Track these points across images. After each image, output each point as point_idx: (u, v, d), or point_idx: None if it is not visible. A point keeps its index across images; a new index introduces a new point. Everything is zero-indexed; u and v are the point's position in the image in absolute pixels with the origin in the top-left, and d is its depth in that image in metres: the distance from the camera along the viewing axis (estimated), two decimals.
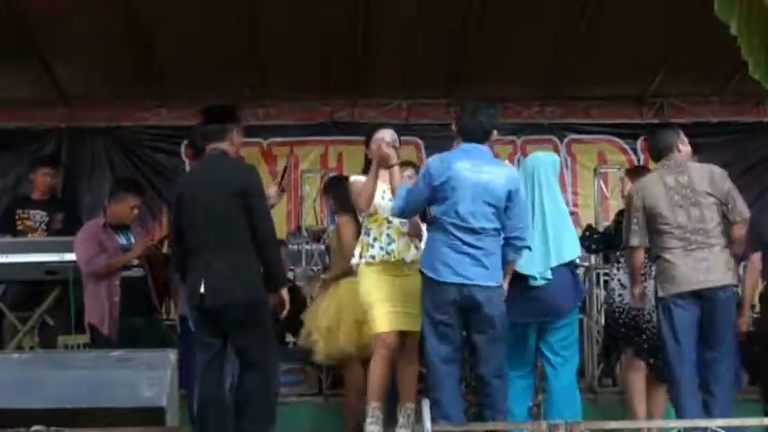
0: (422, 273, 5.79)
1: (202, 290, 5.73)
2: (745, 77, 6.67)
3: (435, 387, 5.78)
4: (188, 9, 8.18)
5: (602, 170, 9.40)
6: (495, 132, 5.96)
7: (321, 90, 9.81)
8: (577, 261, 6.37)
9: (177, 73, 9.19)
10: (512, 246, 5.82)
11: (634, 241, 6.28)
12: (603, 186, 9.19)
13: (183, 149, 9.87)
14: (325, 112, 10.09)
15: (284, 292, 5.96)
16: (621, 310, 6.87)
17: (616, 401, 7.61)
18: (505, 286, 5.87)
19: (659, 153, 6.38)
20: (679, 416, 6.14)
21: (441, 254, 5.72)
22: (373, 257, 6.14)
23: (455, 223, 5.71)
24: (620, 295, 6.88)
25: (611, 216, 8.53)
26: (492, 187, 5.74)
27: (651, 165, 9.43)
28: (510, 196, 5.77)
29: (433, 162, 5.89)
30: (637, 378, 6.89)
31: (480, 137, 5.88)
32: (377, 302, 6.11)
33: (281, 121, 9.97)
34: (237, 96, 9.19)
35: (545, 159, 6.45)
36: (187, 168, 9.61)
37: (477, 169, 5.76)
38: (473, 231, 5.70)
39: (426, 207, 5.95)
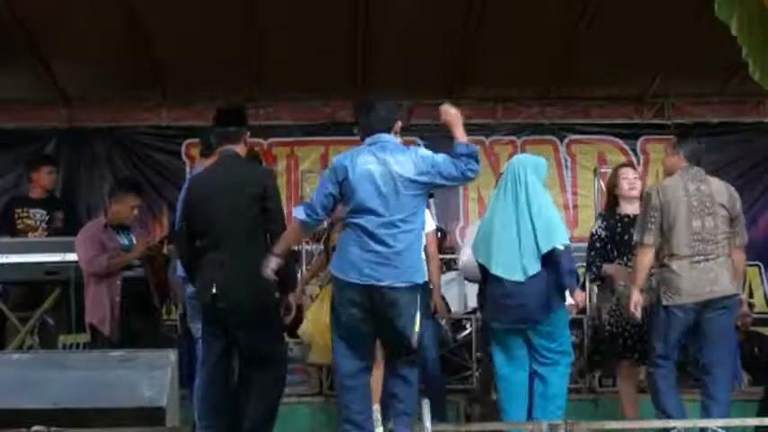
0: (333, 276, 5.63)
1: (214, 290, 5.77)
2: (745, 78, 6.67)
3: None
4: (188, 9, 8.18)
5: (603, 170, 9.38)
6: (398, 123, 5.76)
7: (321, 90, 9.81)
8: (561, 248, 6.20)
9: (177, 73, 9.20)
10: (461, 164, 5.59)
11: (649, 240, 6.26)
12: (604, 186, 9.17)
13: (183, 149, 9.89)
14: (325, 112, 10.08)
15: (292, 297, 6.00)
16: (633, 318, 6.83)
17: (616, 401, 7.60)
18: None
19: (692, 159, 6.40)
20: (664, 417, 6.18)
21: (350, 254, 5.53)
22: None
23: (366, 221, 5.50)
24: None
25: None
26: (401, 174, 5.52)
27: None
28: (425, 172, 5.53)
29: (338, 160, 5.70)
30: (631, 386, 6.90)
31: (383, 130, 5.69)
32: None
33: (281, 121, 9.97)
34: (238, 96, 9.20)
35: (527, 160, 6.46)
36: (187, 169, 9.63)
37: (380, 162, 5.55)
38: (387, 225, 5.50)
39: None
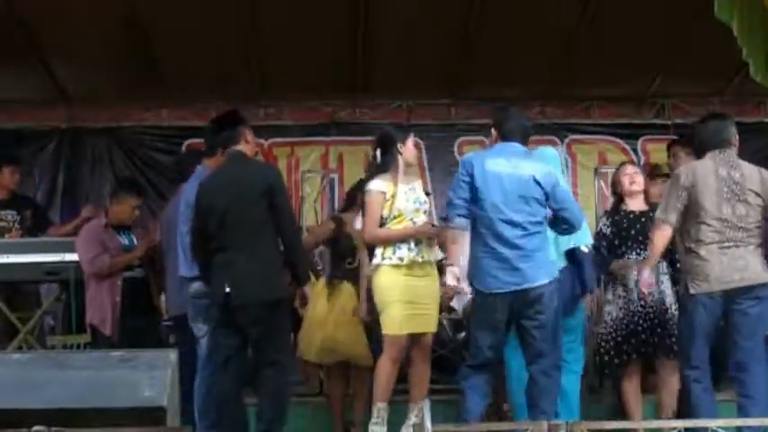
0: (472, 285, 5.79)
1: (227, 289, 5.83)
2: (745, 78, 6.67)
3: None
4: (188, 9, 8.19)
5: (603, 170, 9.38)
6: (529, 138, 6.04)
7: (321, 90, 9.82)
8: (584, 248, 6.30)
9: (177, 73, 9.20)
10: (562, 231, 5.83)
11: (670, 218, 6.04)
12: (604, 186, 9.17)
13: (183, 150, 9.88)
14: (325, 112, 10.09)
15: (307, 289, 6.14)
16: (645, 312, 6.77)
17: (616, 401, 7.60)
18: None
19: (717, 144, 6.15)
20: (693, 415, 5.98)
21: (483, 263, 5.71)
22: (402, 259, 6.13)
23: (495, 222, 5.67)
24: (649, 294, 6.71)
25: None
26: (529, 175, 5.72)
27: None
28: (548, 188, 5.74)
29: (473, 157, 5.90)
30: (634, 386, 6.87)
31: (521, 140, 5.92)
32: (394, 304, 6.10)
33: (281, 121, 9.98)
34: (238, 97, 9.20)
35: (546, 153, 6.49)
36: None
37: (512, 165, 5.75)
38: (513, 225, 5.66)
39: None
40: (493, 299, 5.69)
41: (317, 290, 7.15)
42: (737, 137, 6.24)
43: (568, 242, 6.17)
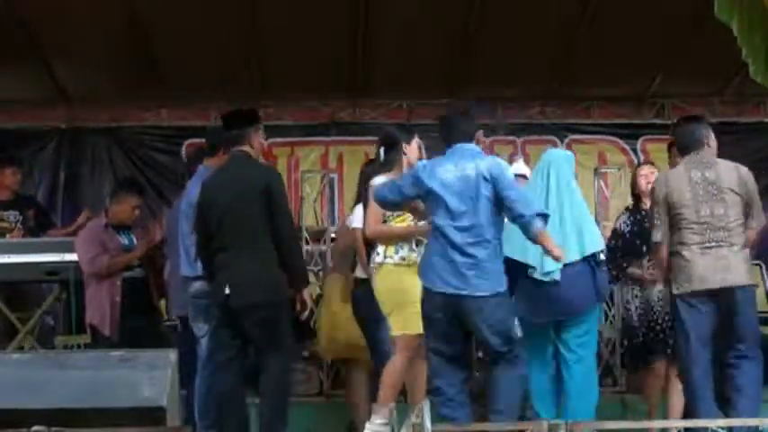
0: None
1: (227, 290, 5.83)
2: (745, 78, 6.67)
3: None
4: (188, 9, 8.20)
5: (603, 170, 9.39)
6: (480, 132, 5.96)
7: (321, 90, 9.83)
8: (602, 256, 6.29)
9: (177, 73, 9.21)
10: (522, 225, 5.67)
11: (657, 236, 6.10)
12: (604, 186, 9.18)
13: (183, 149, 9.90)
14: (325, 112, 10.11)
15: (306, 293, 6.06)
16: (662, 315, 6.78)
17: (616, 401, 7.61)
18: (559, 253, 5.69)
19: (689, 146, 6.16)
20: (692, 417, 5.97)
21: (432, 262, 5.70)
22: (404, 258, 6.13)
23: (447, 228, 5.65)
24: (658, 300, 6.80)
25: (611, 215, 8.54)
26: (477, 172, 5.66)
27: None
28: (494, 182, 5.66)
29: (422, 166, 5.86)
30: (658, 384, 6.88)
31: (468, 140, 5.85)
32: (409, 304, 6.09)
33: (281, 121, 9.99)
34: (238, 97, 9.20)
35: (559, 155, 6.47)
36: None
37: (459, 168, 5.71)
38: (465, 230, 5.62)
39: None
40: (433, 297, 5.67)
41: (341, 283, 7.10)
42: (712, 137, 6.21)
43: (596, 247, 6.13)
